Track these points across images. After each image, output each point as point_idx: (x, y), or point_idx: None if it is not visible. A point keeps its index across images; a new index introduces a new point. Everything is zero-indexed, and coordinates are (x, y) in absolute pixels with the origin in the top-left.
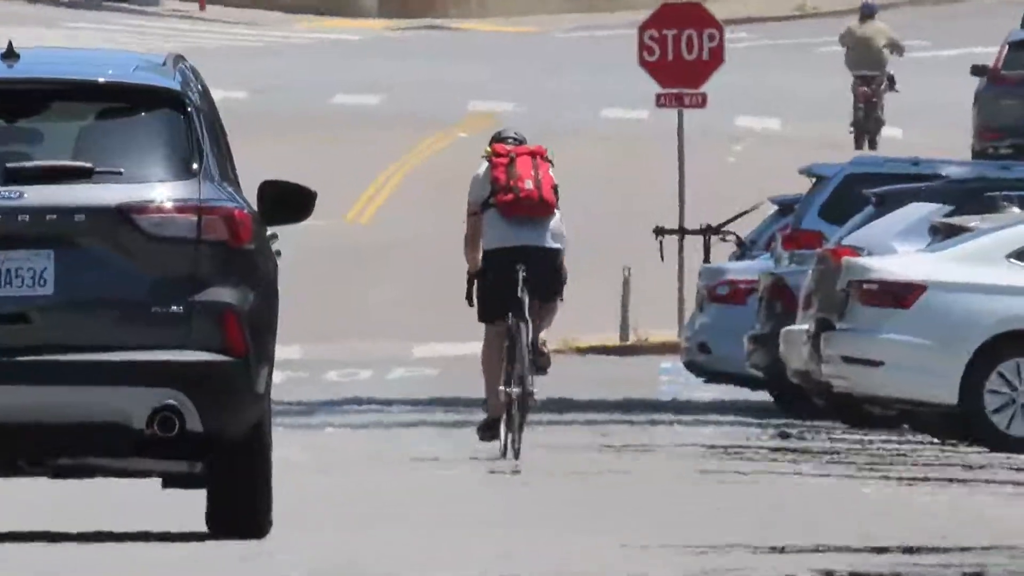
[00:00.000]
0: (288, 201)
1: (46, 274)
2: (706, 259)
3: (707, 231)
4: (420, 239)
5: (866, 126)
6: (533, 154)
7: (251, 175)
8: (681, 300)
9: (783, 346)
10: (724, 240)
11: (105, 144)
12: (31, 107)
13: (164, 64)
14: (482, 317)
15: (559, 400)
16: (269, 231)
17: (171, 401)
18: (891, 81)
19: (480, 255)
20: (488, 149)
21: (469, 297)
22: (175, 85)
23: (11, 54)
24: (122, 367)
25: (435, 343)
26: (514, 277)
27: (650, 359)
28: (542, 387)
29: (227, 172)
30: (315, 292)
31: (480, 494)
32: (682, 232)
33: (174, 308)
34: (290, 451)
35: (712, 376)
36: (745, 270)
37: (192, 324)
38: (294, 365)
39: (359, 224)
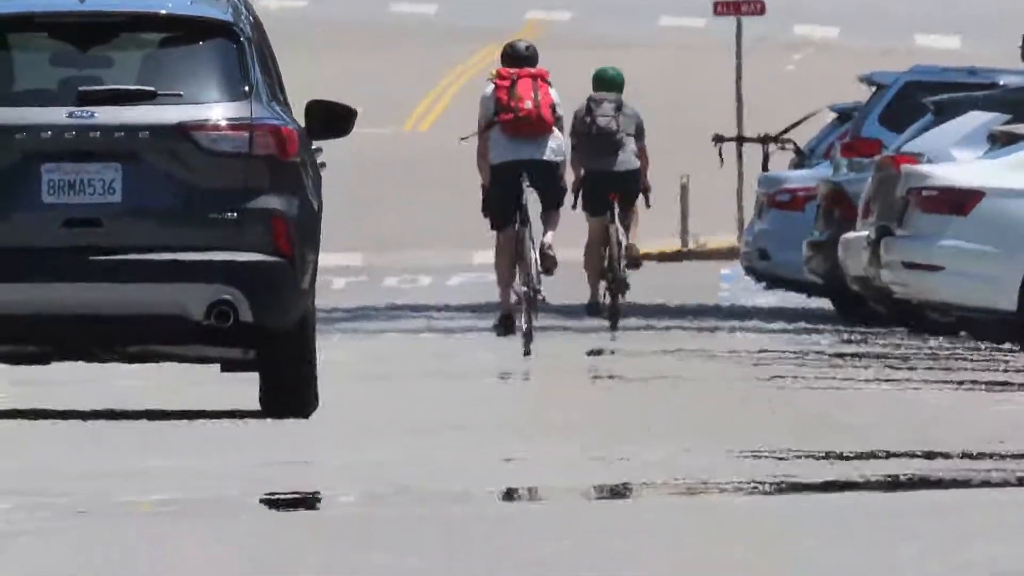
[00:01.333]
0: (332, 119)
1: (115, 184)
2: (765, 167)
3: (766, 139)
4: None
5: None
6: (534, 76)
7: (309, 86)
8: (740, 207)
9: (842, 253)
10: (783, 148)
11: (166, 70)
12: (100, 37)
13: None
14: (493, 225)
15: (630, 307)
16: (315, 145)
17: (226, 296)
18: None
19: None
20: (493, 72)
21: (485, 209)
22: (227, 16)
23: None
24: (182, 266)
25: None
26: (518, 188)
27: (710, 265)
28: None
29: (276, 93)
30: (375, 200)
31: (540, 400)
32: (741, 140)
33: (228, 214)
34: (347, 354)
35: (772, 282)
36: (804, 178)
37: (244, 228)
38: (355, 271)
39: (418, 132)
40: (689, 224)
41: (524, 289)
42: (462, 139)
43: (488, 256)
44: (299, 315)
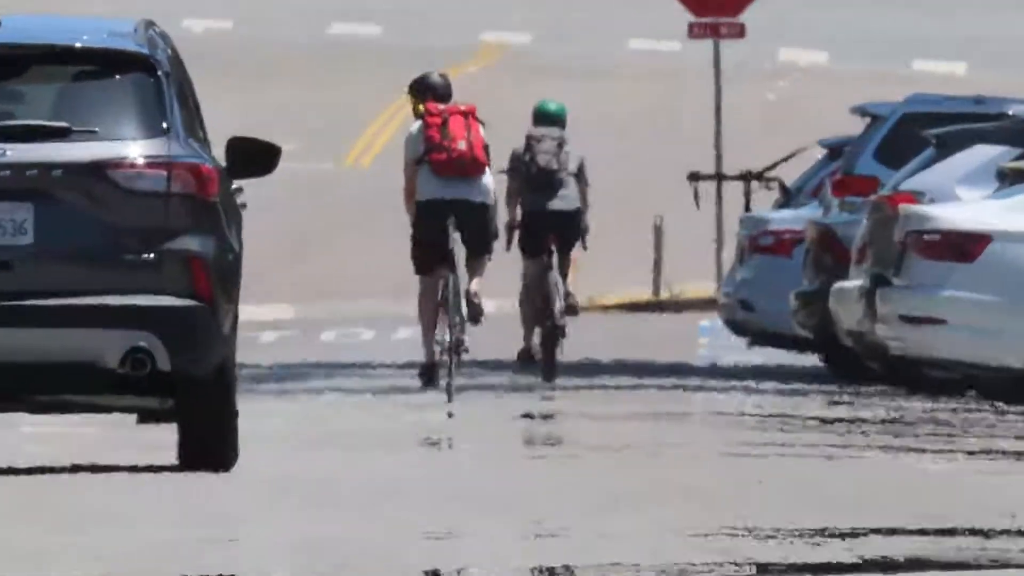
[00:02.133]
0: (254, 156)
1: (26, 225)
2: (747, 207)
3: (748, 177)
4: None
5: None
6: (465, 114)
7: (240, 118)
8: (719, 253)
9: (833, 304)
10: (767, 187)
11: (80, 105)
12: (11, 70)
13: (135, 30)
14: (417, 269)
15: (584, 364)
16: (235, 184)
17: (142, 343)
18: None
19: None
20: (421, 108)
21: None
22: (144, 49)
23: None
24: (97, 311)
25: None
26: (445, 230)
27: (686, 318)
28: (568, 348)
29: (195, 130)
30: (311, 243)
31: (493, 471)
32: (720, 178)
33: (145, 256)
34: (274, 417)
35: (755, 336)
36: (790, 219)
37: (162, 271)
38: (286, 324)
39: (360, 168)
40: (663, 270)
41: (447, 339)
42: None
43: None
44: (218, 361)
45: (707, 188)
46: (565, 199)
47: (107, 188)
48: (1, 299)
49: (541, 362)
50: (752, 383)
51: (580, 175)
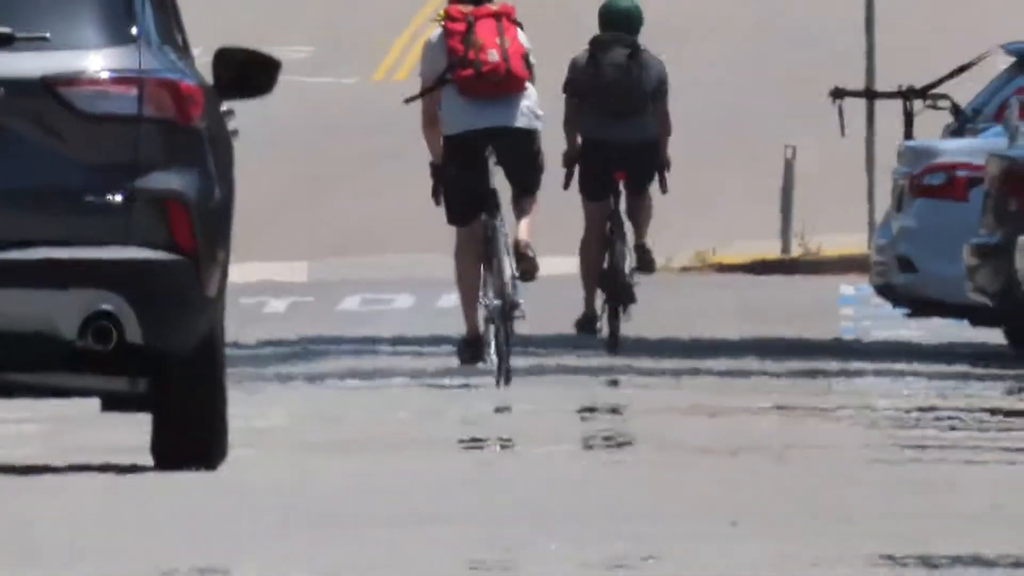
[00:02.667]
0: (248, 72)
1: None
2: (908, 134)
3: (908, 94)
4: None
5: None
6: (497, 15)
7: (232, 17)
8: (871, 194)
9: (1020, 261)
10: (934, 107)
11: (26, 4)
12: None
13: None
14: (451, 219)
15: (694, 342)
16: (224, 107)
17: (106, 306)
18: None
19: (441, 142)
20: (441, 12)
21: (435, 194)
22: None
23: None
24: (48, 266)
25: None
26: (482, 167)
27: (825, 282)
28: (670, 319)
29: (172, 36)
30: (329, 183)
31: (560, 480)
32: (871, 95)
33: (109, 197)
34: (282, 411)
35: (916, 306)
36: (966, 150)
37: (131, 216)
38: (299, 288)
39: (392, 84)
40: (794, 220)
41: (496, 303)
42: (406, 100)
43: None
44: (203, 332)
45: (855, 108)
46: (637, 126)
47: (60, 111)
48: None
49: (608, 328)
50: (911, 366)
51: (659, 94)
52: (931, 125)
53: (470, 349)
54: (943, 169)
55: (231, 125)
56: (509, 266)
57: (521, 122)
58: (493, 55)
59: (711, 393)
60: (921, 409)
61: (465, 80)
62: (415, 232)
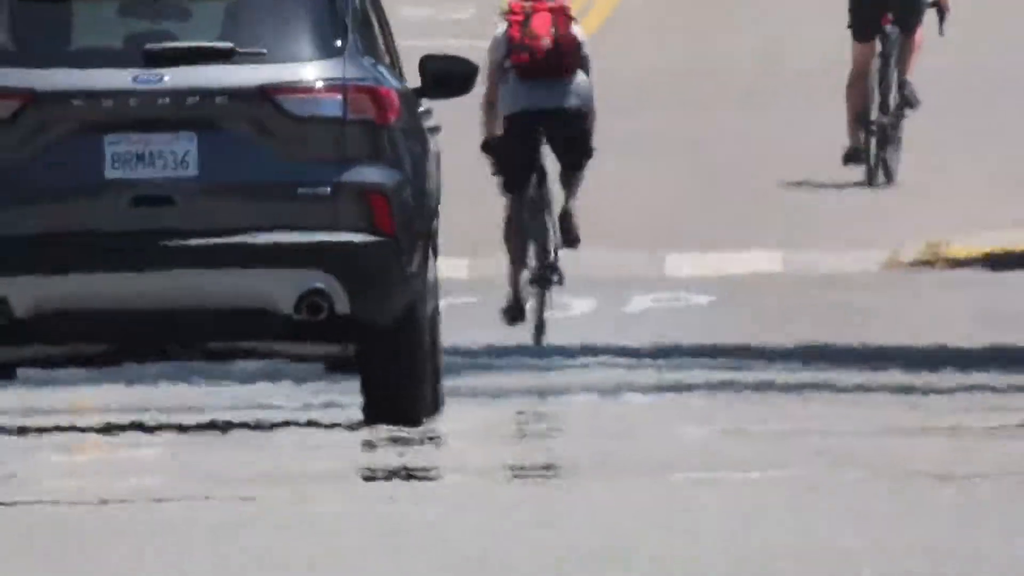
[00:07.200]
0: (449, 75)
1: (188, 157)
2: None
3: None
4: (655, 79)
5: None
6: (553, 10)
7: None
8: None
9: None
10: None
11: (246, 23)
12: None
13: None
14: (506, 187)
15: (918, 350)
16: (423, 106)
17: (319, 284)
18: None
19: (498, 123)
20: (505, 6)
21: (496, 166)
22: None
23: None
24: (267, 250)
25: (699, 252)
26: (534, 143)
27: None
28: (896, 320)
29: (375, 48)
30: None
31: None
32: None
33: (319, 189)
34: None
35: None
36: None
37: (338, 204)
38: (458, 287)
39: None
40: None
41: (538, 268)
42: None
43: (692, 263)
44: (405, 304)
45: None
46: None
47: (276, 115)
48: (164, 238)
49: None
50: None
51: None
52: None
53: (511, 311)
54: None
55: (431, 123)
56: (554, 234)
57: (572, 103)
58: (545, 41)
59: (945, 414)
60: None
61: (520, 65)
62: (599, 222)
